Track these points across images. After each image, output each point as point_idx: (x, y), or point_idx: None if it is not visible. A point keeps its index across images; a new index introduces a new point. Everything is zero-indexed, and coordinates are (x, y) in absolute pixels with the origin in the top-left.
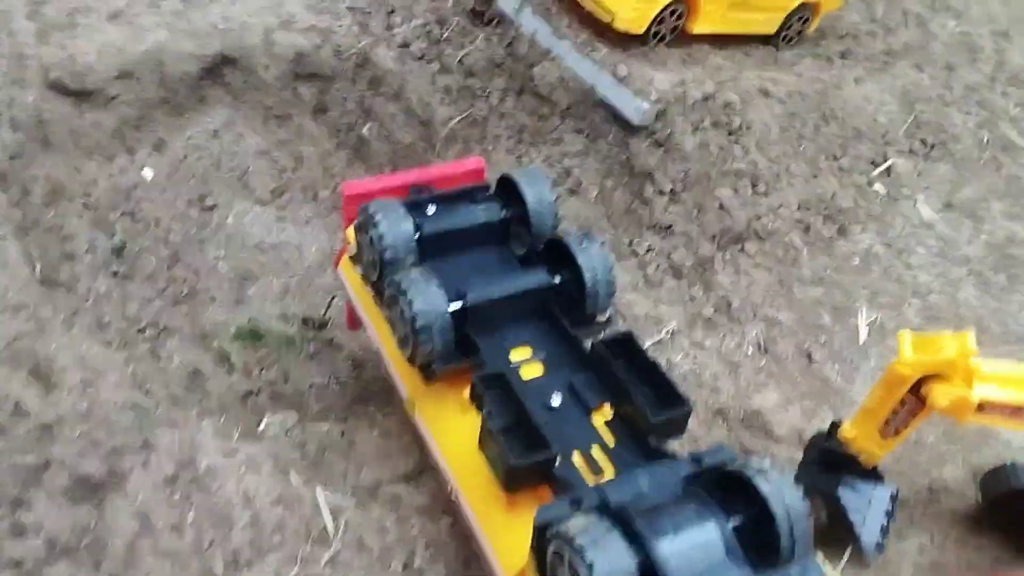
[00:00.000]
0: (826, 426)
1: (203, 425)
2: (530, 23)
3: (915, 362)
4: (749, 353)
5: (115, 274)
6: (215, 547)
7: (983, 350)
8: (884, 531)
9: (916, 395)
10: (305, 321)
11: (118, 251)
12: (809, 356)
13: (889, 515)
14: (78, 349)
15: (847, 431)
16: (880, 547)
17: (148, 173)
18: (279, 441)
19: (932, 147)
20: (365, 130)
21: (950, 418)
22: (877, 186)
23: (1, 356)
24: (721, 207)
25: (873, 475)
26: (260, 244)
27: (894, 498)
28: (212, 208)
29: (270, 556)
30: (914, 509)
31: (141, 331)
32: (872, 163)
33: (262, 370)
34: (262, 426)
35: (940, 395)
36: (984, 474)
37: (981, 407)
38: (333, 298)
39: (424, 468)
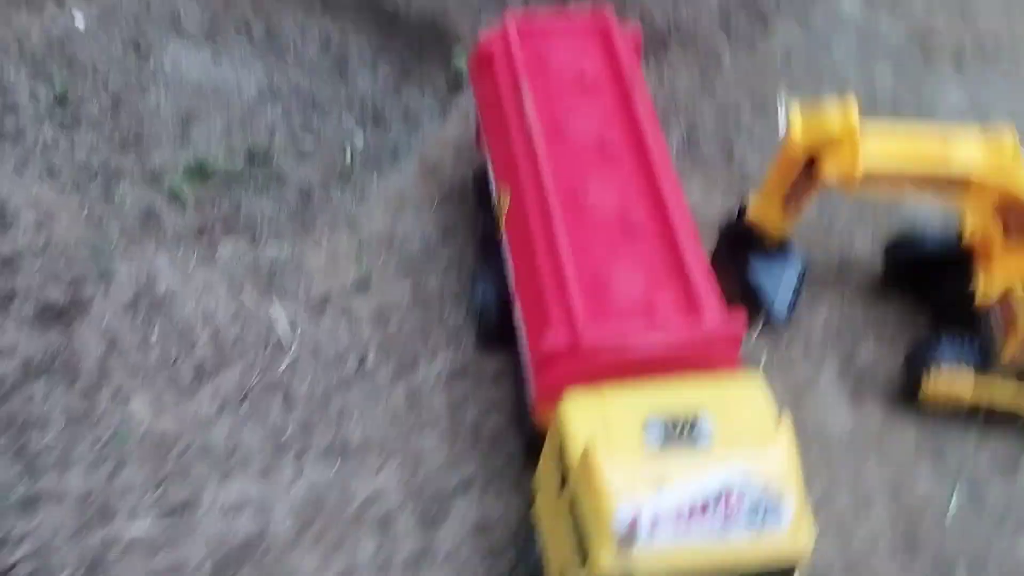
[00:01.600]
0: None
1: (159, 256)
2: None
3: (804, 142)
4: (675, 152)
5: (61, 124)
6: (180, 362)
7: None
8: (794, 301)
9: (809, 170)
10: (251, 156)
11: (61, 100)
12: (731, 152)
13: (798, 286)
14: (30, 192)
15: (752, 209)
16: (790, 315)
17: (80, 21)
18: (233, 266)
19: None
20: None
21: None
22: None
23: None
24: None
25: (781, 252)
26: (199, 85)
27: (802, 273)
28: (148, 52)
29: (233, 366)
30: (826, 281)
31: (92, 176)
32: None
33: (214, 206)
34: (216, 254)
35: (828, 169)
36: (887, 244)
37: (867, 179)
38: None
39: (372, 274)
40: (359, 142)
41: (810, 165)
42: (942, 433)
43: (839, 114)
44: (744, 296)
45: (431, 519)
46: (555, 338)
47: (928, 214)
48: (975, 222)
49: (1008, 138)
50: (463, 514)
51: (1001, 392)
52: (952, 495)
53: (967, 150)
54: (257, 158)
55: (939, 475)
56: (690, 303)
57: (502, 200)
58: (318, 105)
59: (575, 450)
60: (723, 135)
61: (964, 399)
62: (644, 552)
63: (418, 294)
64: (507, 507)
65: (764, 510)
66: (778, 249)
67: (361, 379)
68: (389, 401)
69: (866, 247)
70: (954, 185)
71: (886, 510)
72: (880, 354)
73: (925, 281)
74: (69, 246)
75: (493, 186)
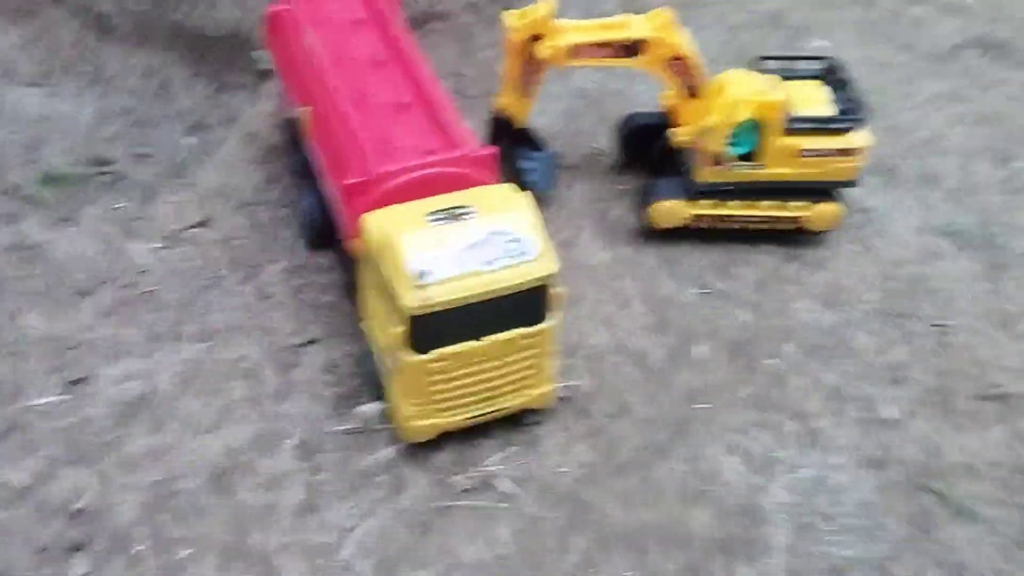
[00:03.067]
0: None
1: (27, 223)
2: None
3: (517, 27)
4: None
5: None
6: (61, 287)
7: None
8: (550, 175)
9: (530, 57)
10: (96, 163)
11: None
12: (492, 93)
13: (552, 164)
14: None
15: (498, 101)
16: (549, 186)
17: None
18: (93, 223)
19: None
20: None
21: (556, 68)
22: None
23: None
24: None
25: (535, 144)
26: (40, 117)
27: (552, 155)
28: None
29: (105, 286)
30: (579, 168)
31: None
32: None
33: (67, 200)
34: (78, 217)
35: (541, 49)
36: (616, 123)
37: (574, 52)
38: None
39: (214, 216)
40: (190, 142)
41: (531, 57)
42: (674, 252)
43: (543, 7)
44: (512, 175)
45: (287, 366)
46: (353, 175)
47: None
48: (667, 95)
49: (665, 10)
50: (313, 360)
51: (708, 212)
52: (686, 292)
53: (638, 21)
54: (101, 164)
55: (676, 279)
56: (452, 143)
57: (305, 119)
58: (149, 122)
59: (377, 242)
60: (483, 85)
61: (682, 222)
62: (435, 285)
63: (254, 223)
64: (348, 351)
65: (518, 248)
66: (532, 142)
67: (216, 286)
68: (242, 297)
69: (605, 143)
70: (633, 47)
71: (641, 306)
72: (624, 211)
73: (648, 146)
74: None
75: (298, 119)
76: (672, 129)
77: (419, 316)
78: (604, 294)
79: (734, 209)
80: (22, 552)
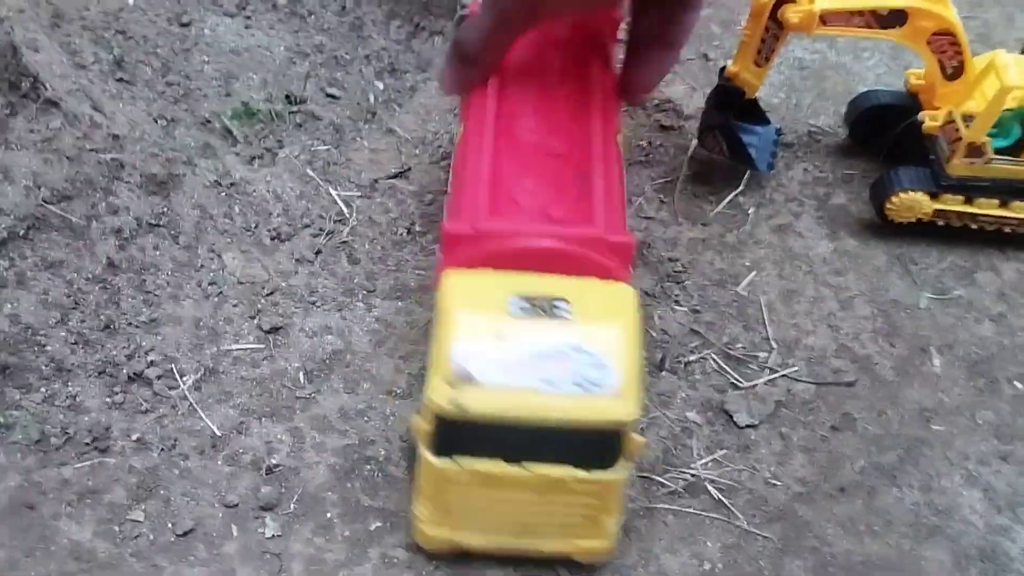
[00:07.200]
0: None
1: (227, 158)
2: None
3: None
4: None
5: (119, 80)
6: (260, 227)
7: None
8: (773, 153)
9: (775, 20)
10: (288, 100)
11: (119, 63)
12: (706, 56)
13: (775, 142)
14: (113, 108)
15: (730, 68)
16: (771, 166)
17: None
18: (291, 163)
19: None
20: None
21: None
22: None
23: None
24: None
25: (758, 116)
26: (235, 49)
27: (778, 130)
28: (189, 24)
29: (303, 232)
30: (797, 149)
31: (151, 123)
32: None
33: (260, 139)
34: (276, 157)
35: (790, 14)
36: (847, 104)
37: (823, 19)
38: (308, 76)
39: (411, 166)
40: (380, 87)
41: (774, 17)
42: (908, 251)
43: None
44: (731, 151)
45: None
46: (457, 224)
47: (870, 85)
48: (918, 73)
49: None
50: None
51: (954, 209)
52: (920, 295)
53: None
54: (293, 102)
55: (908, 282)
56: (586, 215)
57: (456, 133)
58: (340, 61)
59: (440, 306)
60: (696, 48)
61: (922, 217)
62: (473, 390)
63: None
64: None
65: (596, 376)
66: (755, 114)
67: (411, 242)
68: (433, 259)
69: (830, 121)
70: (893, 18)
71: (866, 308)
72: (850, 198)
73: (883, 128)
74: (158, 141)
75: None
76: (925, 112)
77: (445, 418)
78: (824, 290)
79: (984, 208)
80: (212, 505)
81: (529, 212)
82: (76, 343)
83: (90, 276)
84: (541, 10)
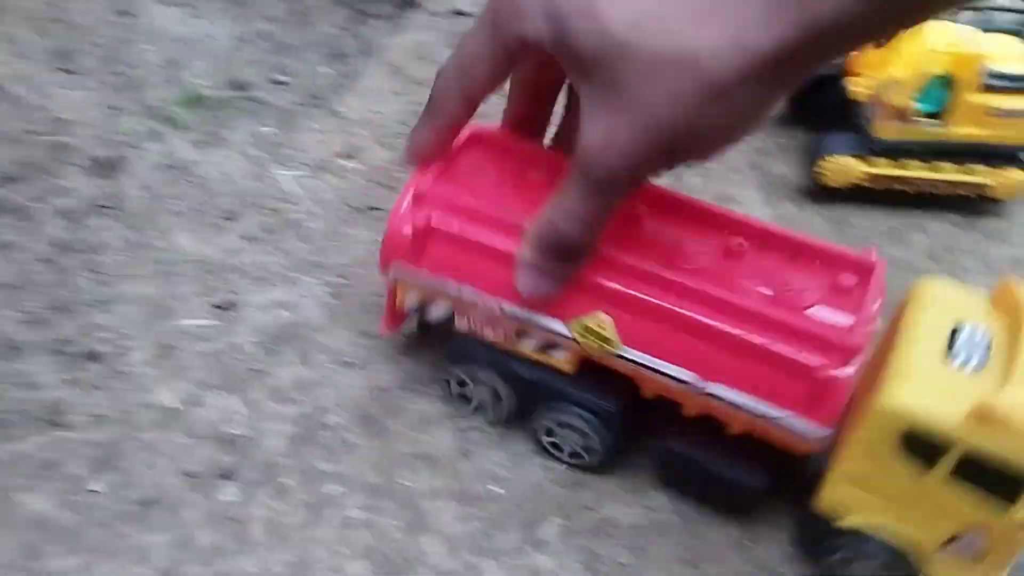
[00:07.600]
0: None
1: (174, 141)
2: None
3: None
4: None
5: (63, 70)
6: (209, 207)
7: None
8: None
9: None
10: (233, 87)
11: (61, 52)
12: None
13: None
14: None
15: None
16: None
17: None
18: (239, 144)
19: None
20: None
21: None
22: None
23: None
24: None
25: None
26: (179, 37)
27: None
28: (132, 14)
29: (252, 211)
30: None
31: (98, 107)
32: None
33: (207, 125)
34: (222, 139)
35: None
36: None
37: None
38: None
39: (358, 146)
40: (325, 72)
41: None
42: (842, 214)
43: None
44: None
45: None
46: (830, 360)
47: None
48: None
49: None
50: None
51: (884, 172)
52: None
53: None
54: (239, 88)
55: (845, 243)
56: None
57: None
58: (286, 48)
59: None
60: None
61: (853, 180)
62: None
63: (397, 156)
64: None
65: None
66: None
67: (364, 218)
68: (379, 233)
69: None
70: None
71: None
72: (788, 168)
73: (813, 97)
74: (104, 125)
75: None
76: (850, 78)
77: None
78: None
79: (913, 170)
80: (171, 475)
81: (837, 302)
82: (27, 322)
83: (40, 257)
84: (673, 159)
